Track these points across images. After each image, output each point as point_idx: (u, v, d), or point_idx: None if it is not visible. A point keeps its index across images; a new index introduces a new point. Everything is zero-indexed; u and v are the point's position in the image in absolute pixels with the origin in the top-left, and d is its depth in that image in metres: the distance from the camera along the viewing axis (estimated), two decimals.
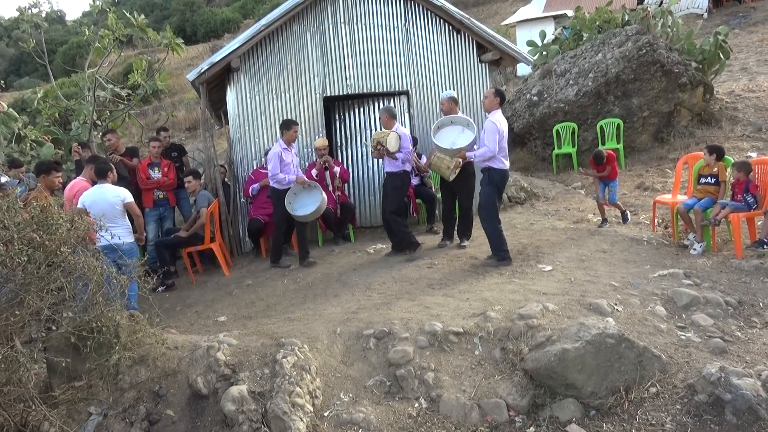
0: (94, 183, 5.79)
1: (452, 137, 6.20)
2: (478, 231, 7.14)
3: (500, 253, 5.87)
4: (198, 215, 6.83)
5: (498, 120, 5.87)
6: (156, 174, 7.28)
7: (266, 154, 7.44)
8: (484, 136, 5.84)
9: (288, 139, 6.59)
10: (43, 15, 11.07)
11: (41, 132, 9.30)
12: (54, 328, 4.10)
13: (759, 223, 6.01)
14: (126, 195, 5.58)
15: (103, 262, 4.19)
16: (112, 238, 4.88)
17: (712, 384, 3.52)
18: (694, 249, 5.87)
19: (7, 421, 3.64)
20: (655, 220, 6.88)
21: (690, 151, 8.85)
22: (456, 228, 6.80)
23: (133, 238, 5.63)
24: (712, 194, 6.05)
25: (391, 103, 8.36)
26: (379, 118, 6.74)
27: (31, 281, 3.78)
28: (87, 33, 9.73)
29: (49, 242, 3.89)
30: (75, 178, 6.11)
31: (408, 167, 6.56)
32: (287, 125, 6.61)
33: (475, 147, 6.04)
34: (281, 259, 6.73)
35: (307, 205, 6.51)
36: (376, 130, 8.32)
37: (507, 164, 6.00)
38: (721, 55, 10.72)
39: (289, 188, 6.55)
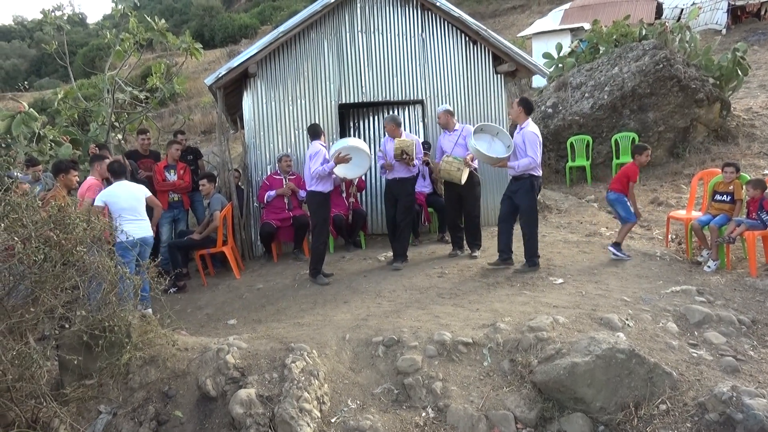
0: (107, 181, 5.89)
1: (485, 145, 6.20)
2: (489, 241, 7.15)
3: (534, 259, 5.99)
4: (211, 218, 6.88)
5: (535, 129, 5.99)
6: (172, 176, 7.35)
7: (279, 160, 7.50)
8: (526, 146, 5.89)
9: (324, 141, 6.50)
10: (66, 17, 11.27)
11: (60, 132, 9.42)
12: (67, 326, 4.16)
13: None
14: (145, 189, 5.98)
15: (117, 262, 4.24)
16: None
17: (724, 403, 3.48)
18: (708, 266, 5.82)
19: (18, 417, 3.68)
20: (669, 236, 6.82)
21: (706, 168, 8.79)
22: (465, 238, 6.81)
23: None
24: (727, 212, 6.01)
25: (407, 112, 8.40)
26: (385, 128, 6.73)
27: (47, 279, 3.84)
28: (108, 36, 9.88)
29: (66, 241, 3.95)
30: None
31: (416, 172, 6.63)
32: (319, 130, 6.46)
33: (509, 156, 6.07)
34: (319, 276, 6.21)
35: (359, 166, 6.35)
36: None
37: (541, 171, 6.13)
38: (739, 72, 10.65)
39: (329, 192, 6.30)
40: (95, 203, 5.45)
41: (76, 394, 4.01)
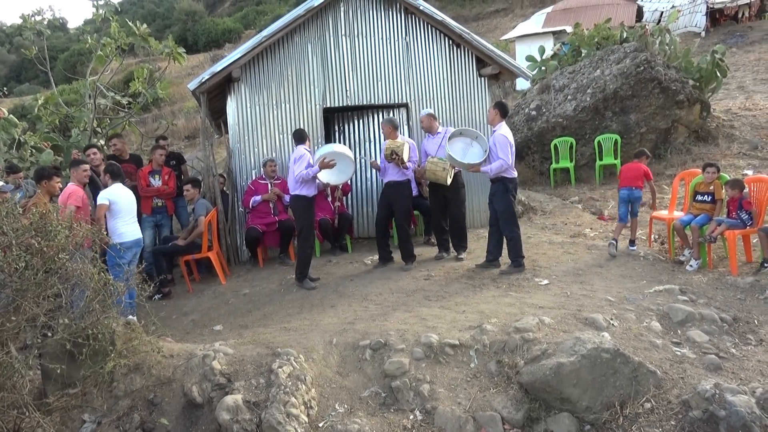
0: (87, 186, 5.87)
1: (461, 149, 6.30)
2: (473, 243, 7.19)
3: (519, 260, 6.05)
4: (196, 224, 6.83)
5: (506, 133, 6.09)
6: (156, 182, 7.29)
7: (265, 164, 7.48)
8: (497, 149, 6.02)
9: (309, 145, 6.48)
10: (46, 22, 11.14)
11: (41, 138, 9.32)
12: (49, 334, 4.10)
13: (755, 241, 6.05)
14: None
15: (99, 269, 4.19)
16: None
17: (707, 400, 3.53)
18: (690, 265, 5.90)
19: (0, 428, 3.62)
20: (652, 236, 6.91)
21: (687, 168, 8.92)
22: (450, 240, 6.84)
23: None
24: (708, 211, 6.10)
25: (391, 116, 8.41)
26: (381, 129, 6.76)
27: (28, 287, 3.79)
28: (89, 41, 9.79)
29: (48, 248, 3.90)
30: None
31: (410, 175, 6.64)
32: (304, 135, 6.39)
33: (484, 161, 6.19)
34: (306, 280, 6.19)
35: (343, 172, 6.44)
36: (374, 141, 8.38)
37: (515, 173, 6.24)
38: (718, 74, 10.82)
39: (314, 197, 6.30)
40: (99, 202, 5.54)
41: (60, 404, 3.95)
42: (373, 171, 7.92)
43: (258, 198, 7.29)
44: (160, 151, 7.47)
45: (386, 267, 6.58)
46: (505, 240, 6.16)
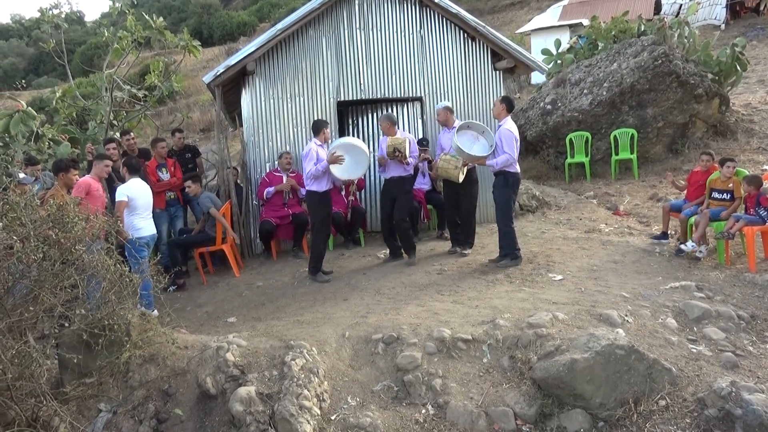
0: (108, 180, 5.89)
1: (468, 141, 6.27)
2: (487, 239, 7.15)
3: (512, 252, 6.07)
4: (208, 217, 6.88)
5: (512, 127, 6.10)
6: (165, 175, 7.34)
7: (280, 157, 7.50)
8: (502, 144, 6.02)
9: (323, 139, 6.33)
10: (63, 16, 11.24)
11: (58, 131, 9.40)
12: (66, 324, 4.15)
13: None
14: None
15: (115, 260, 4.24)
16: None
17: (723, 398, 3.49)
18: (700, 251, 5.86)
19: (18, 416, 3.68)
20: (668, 232, 6.83)
21: None
22: (458, 236, 6.81)
23: None
24: (726, 206, 6.05)
25: (405, 109, 8.39)
26: (380, 125, 6.66)
27: (46, 278, 3.84)
28: (106, 34, 9.85)
29: (65, 240, 3.95)
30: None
31: (411, 171, 6.61)
32: (323, 125, 6.35)
33: (489, 155, 6.13)
34: (319, 274, 6.22)
35: (359, 164, 6.28)
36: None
37: (518, 168, 6.22)
38: (738, 67, 10.64)
39: (326, 191, 6.25)
40: (118, 198, 5.53)
41: (76, 393, 4.01)
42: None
43: (271, 189, 7.31)
44: (161, 143, 7.52)
45: (398, 261, 6.57)
46: (499, 233, 6.19)
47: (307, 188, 6.28)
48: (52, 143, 8.90)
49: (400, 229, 6.51)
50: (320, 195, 6.20)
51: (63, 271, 3.90)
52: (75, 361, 3.91)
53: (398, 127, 6.71)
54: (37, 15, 10.93)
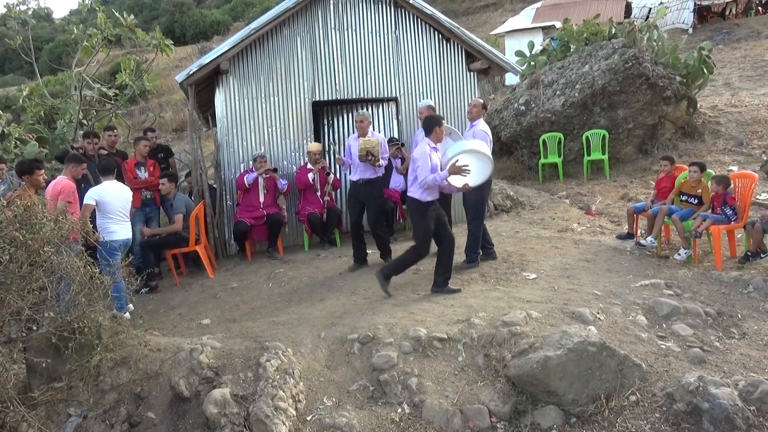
0: (77, 181, 5.74)
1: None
2: (463, 238, 7.19)
3: (473, 255, 6.09)
4: (174, 220, 6.80)
5: (486, 128, 6.15)
6: (143, 174, 7.23)
7: (254, 160, 7.41)
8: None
9: (436, 139, 5.46)
10: (31, 12, 10.96)
11: (26, 130, 9.18)
12: (35, 328, 4.06)
13: (739, 236, 6.13)
14: (130, 191, 5.89)
15: (86, 262, 4.16)
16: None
17: (691, 393, 3.57)
18: (679, 254, 6.00)
19: None
20: (638, 231, 6.97)
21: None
22: None
23: None
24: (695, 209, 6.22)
25: (381, 110, 8.40)
26: (357, 124, 6.47)
27: (13, 280, 3.75)
28: (75, 31, 9.65)
29: (32, 241, 3.86)
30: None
31: (382, 172, 6.51)
32: (436, 123, 5.44)
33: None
34: (448, 286, 5.39)
35: (479, 172, 5.45)
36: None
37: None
38: (705, 70, 10.91)
39: (431, 200, 5.34)
40: (85, 201, 5.37)
41: (45, 398, 3.93)
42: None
43: (253, 174, 7.22)
44: (144, 142, 7.41)
45: (363, 268, 6.31)
46: (468, 234, 6.11)
47: (410, 194, 5.43)
48: (18, 143, 8.68)
49: (377, 236, 6.41)
50: (425, 205, 5.31)
51: (31, 273, 3.82)
52: (44, 365, 3.83)
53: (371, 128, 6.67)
54: (3, 11, 10.67)
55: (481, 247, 6.28)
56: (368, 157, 6.18)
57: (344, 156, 6.71)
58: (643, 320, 4.52)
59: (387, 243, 6.51)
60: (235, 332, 4.69)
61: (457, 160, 5.20)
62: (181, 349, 4.22)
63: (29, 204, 4.08)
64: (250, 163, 7.56)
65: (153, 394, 4.03)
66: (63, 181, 5.38)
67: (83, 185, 6.16)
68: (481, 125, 6.14)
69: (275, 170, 7.35)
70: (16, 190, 5.83)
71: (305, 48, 7.90)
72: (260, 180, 7.32)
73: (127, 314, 5.28)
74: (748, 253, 5.61)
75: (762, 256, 5.56)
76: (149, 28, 11.89)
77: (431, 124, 5.39)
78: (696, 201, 6.22)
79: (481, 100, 6.48)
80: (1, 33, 35.96)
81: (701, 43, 11.74)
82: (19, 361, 4.02)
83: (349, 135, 8.36)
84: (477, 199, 6.04)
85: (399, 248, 7.06)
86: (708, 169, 6.43)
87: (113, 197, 5.51)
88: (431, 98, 8.24)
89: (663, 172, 6.80)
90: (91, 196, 5.43)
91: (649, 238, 6.21)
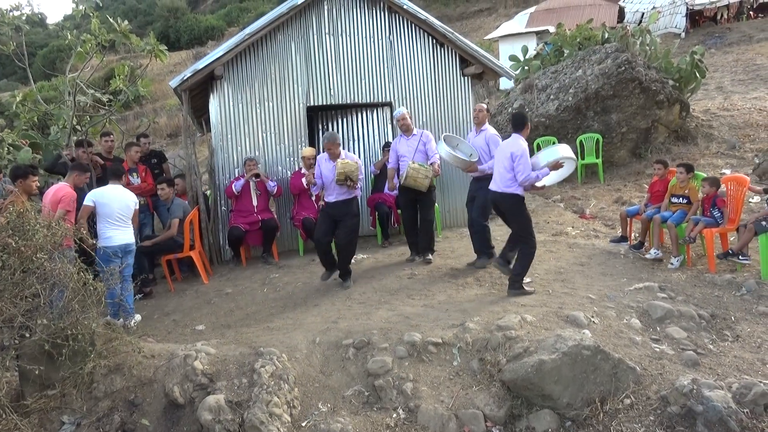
0: (77, 188, 5.71)
1: (446, 153, 6.30)
2: (457, 243, 7.22)
3: (489, 251, 6.24)
4: (170, 225, 6.78)
5: (496, 132, 6.42)
6: (135, 179, 7.22)
7: (244, 163, 7.40)
8: (490, 148, 6.26)
9: (526, 135, 5.51)
10: (24, 18, 10.93)
11: (19, 136, 9.14)
12: (27, 335, 4.04)
13: (732, 239, 6.16)
14: (137, 201, 5.80)
15: (79, 269, 4.14)
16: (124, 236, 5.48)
17: (685, 396, 3.59)
18: (671, 263, 5.99)
19: None
20: (632, 234, 6.99)
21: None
22: (419, 242, 6.65)
23: None
24: (683, 209, 6.25)
25: (375, 115, 8.41)
26: (325, 147, 6.02)
27: (5, 287, 3.73)
28: (69, 37, 9.62)
29: (25, 248, 3.85)
30: (54, 183, 6.03)
31: (359, 193, 6.18)
32: (524, 120, 5.49)
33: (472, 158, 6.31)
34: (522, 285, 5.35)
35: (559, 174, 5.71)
36: (358, 140, 8.38)
37: None
38: (697, 74, 10.98)
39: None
40: (84, 203, 5.36)
41: (38, 405, 3.90)
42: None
43: (241, 181, 7.21)
44: (135, 148, 7.41)
45: (334, 272, 6.09)
46: (478, 232, 6.29)
47: (507, 190, 5.40)
48: (12, 149, 8.64)
49: (346, 251, 6.03)
50: (523, 198, 5.44)
51: (24, 280, 3.80)
52: (36, 372, 3.81)
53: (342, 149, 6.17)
54: None
55: (476, 251, 6.31)
56: (347, 182, 5.83)
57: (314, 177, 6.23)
58: (637, 323, 4.53)
59: (349, 262, 6.13)
60: (229, 338, 4.68)
61: (558, 161, 5.36)
62: (175, 356, 4.21)
63: (22, 210, 4.06)
64: (244, 168, 7.55)
65: (147, 401, 4.01)
66: (65, 189, 5.33)
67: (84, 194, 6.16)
68: (492, 130, 6.36)
69: (257, 176, 7.30)
70: (7, 197, 5.80)
71: (299, 53, 7.91)
72: (251, 184, 7.32)
73: (132, 322, 5.27)
74: (730, 251, 5.65)
75: (740, 258, 5.60)
76: (144, 34, 11.88)
77: (523, 120, 5.46)
78: (685, 201, 6.27)
79: (485, 105, 6.63)
80: None
81: (694, 47, 11.82)
82: (11, 368, 4.00)
83: (343, 140, 8.38)
84: (485, 202, 6.13)
85: (393, 252, 7.10)
86: (697, 171, 6.49)
87: (112, 200, 5.47)
88: (425, 103, 8.27)
89: (656, 176, 6.83)
90: (90, 197, 5.44)
91: (652, 250, 6.20)
